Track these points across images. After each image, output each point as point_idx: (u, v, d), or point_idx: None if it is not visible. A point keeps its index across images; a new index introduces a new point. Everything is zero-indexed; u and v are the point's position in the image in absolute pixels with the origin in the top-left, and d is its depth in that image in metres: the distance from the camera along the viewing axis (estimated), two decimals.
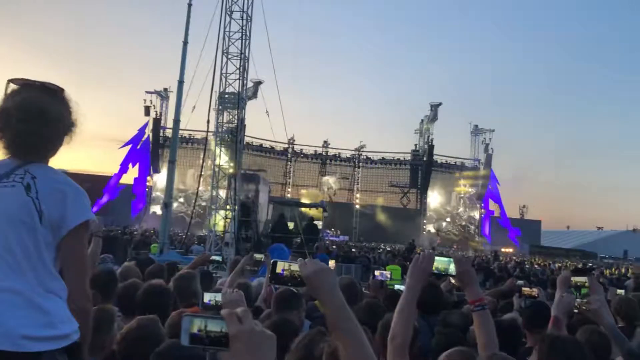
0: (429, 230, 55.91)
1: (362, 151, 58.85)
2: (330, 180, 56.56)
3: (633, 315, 4.77)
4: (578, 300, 3.50)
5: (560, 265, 26.62)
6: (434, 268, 2.50)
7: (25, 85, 2.06)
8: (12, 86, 2.06)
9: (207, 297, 3.46)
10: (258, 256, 5.94)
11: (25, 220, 1.91)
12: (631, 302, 4.95)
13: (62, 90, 2.12)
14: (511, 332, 3.57)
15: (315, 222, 19.51)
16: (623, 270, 24.48)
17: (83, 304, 2.03)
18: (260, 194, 18.21)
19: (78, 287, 2.02)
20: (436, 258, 2.52)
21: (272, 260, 1.86)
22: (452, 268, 2.53)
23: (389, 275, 5.69)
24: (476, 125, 57.99)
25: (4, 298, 1.81)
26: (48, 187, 1.98)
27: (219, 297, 3.32)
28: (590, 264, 28.59)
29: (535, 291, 5.38)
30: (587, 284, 3.65)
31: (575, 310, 3.51)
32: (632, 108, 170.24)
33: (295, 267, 1.78)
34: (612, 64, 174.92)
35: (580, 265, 22.37)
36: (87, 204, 2.08)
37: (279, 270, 1.82)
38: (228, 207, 16.07)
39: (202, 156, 18.26)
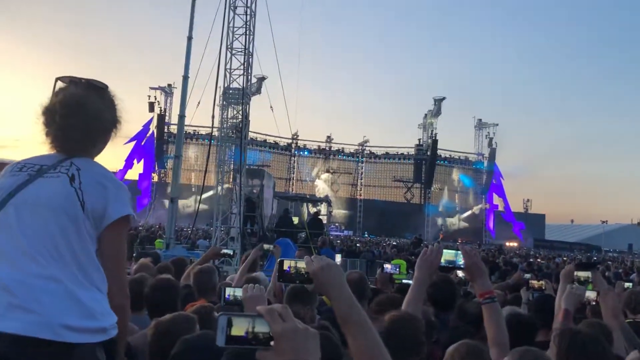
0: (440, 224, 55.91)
1: (366, 146, 58.86)
2: (322, 182, 56.40)
3: None
4: (589, 293, 3.50)
5: (565, 258, 26.59)
6: (443, 260, 2.51)
7: (72, 83, 2.09)
8: (60, 84, 2.10)
9: (228, 292, 3.47)
10: (267, 246, 5.95)
11: (68, 210, 1.93)
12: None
13: (106, 87, 2.15)
14: (525, 327, 3.56)
15: (320, 217, 19.55)
16: (628, 264, 24.41)
17: (121, 300, 2.04)
18: (265, 189, 18.18)
19: (116, 282, 2.02)
20: (444, 251, 2.53)
21: (278, 260, 1.86)
22: (460, 261, 2.54)
23: (397, 269, 5.71)
24: (480, 120, 57.95)
25: (45, 286, 1.80)
26: (91, 179, 2.00)
27: (238, 292, 3.33)
28: (595, 258, 28.55)
29: (542, 284, 5.39)
30: (590, 279, 3.64)
31: (593, 303, 3.51)
32: (637, 102, 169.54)
33: (301, 264, 1.78)
34: (618, 57, 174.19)
35: (584, 260, 22.33)
36: (127, 200, 2.09)
37: (285, 268, 1.82)
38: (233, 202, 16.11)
39: (207, 151, 18.27)
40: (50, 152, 2.08)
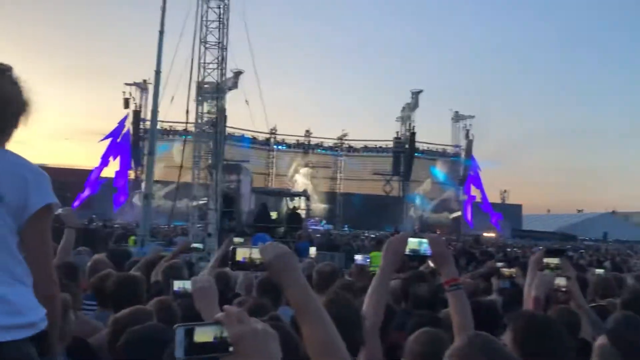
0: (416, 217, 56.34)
1: (345, 140, 58.92)
2: (301, 176, 56.35)
3: (611, 294, 4.86)
4: (559, 280, 3.52)
5: (542, 247, 27.00)
6: (407, 249, 2.50)
7: None
8: None
9: (177, 285, 3.43)
10: (237, 240, 5.93)
11: None
12: (610, 282, 5.04)
13: (10, 68, 2.04)
14: (489, 314, 3.59)
15: (298, 211, 19.56)
16: (603, 251, 24.89)
17: (49, 290, 1.98)
18: (243, 184, 18.13)
19: (42, 272, 1.96)
20: (410, 240, 2.51)
21: (231, 248, 1.85)
22: (425, 248, 2.53)
23: (369, 260, 5.71)
24: (457, 112, 58.30)
25: None
26: (7, 170, 1.92)
27: (188, 284, 3.28)
28: (569, 246, 29.01)
29: (513, 271, 5.44)
30: (559, 265, 3.66)
31: (564, 290, 3.52)
32: (610, 92, 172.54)
33: (255, 254, 1.76)
34: (594, 48, 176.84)
35: (555, 246, 22.69)
36: (48, 188, 2.01)
37: (239, 258, 1.80)
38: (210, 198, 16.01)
39: (182, 148, 18.12)
40: None
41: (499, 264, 6.50)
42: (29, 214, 1.92)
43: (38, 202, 1.93)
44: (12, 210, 1.89)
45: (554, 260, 3.68)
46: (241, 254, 1.80)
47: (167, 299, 3.29)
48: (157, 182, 23.17)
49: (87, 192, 42.89)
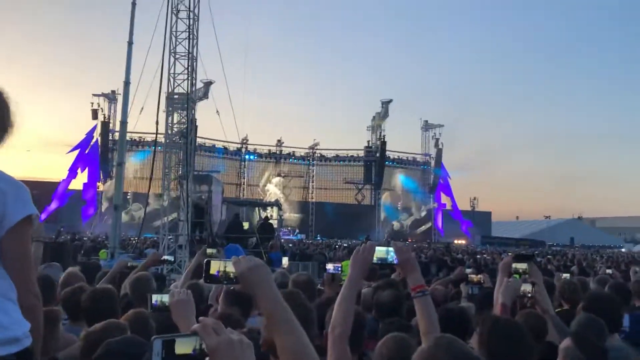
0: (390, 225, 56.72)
1: (316, 149, 59.06)
2: (273, 186, 56.23)
3: (576, 298, 4.99)
4: (525, 286, 3.61)
5: (510, 253, 27.39)
6: (375, 258, 2.55)
7: None
8: None
9: (155, 299, 3.42)
10: (210, 251, 5.90)
11: None
12: (574, 286, 5.16)
13: None
14: (461, 319, 3.67)
15: (271, 221, 19.50)
16: (570, 256, 25.40)
17: (31, 302, 1.96)
18: (214, 194, 18.02)
19: (24, 285, 1.95)
20: (377, 248, 2.57)
21: (205, 260, 1.86)
22: (392, 257, 2.59)
23: (340, 269, 5.75)
24: (426, 121, 59.07)
25: None
26: None
27: (166, 298, 3.28)
28: (537, 252, 29.52)
29: (481, 277, 5.55)
30: (527, 270, 3.76)
31: (529, 295, 3.61)
32: (577, 99, 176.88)
33: (229, 267, 1.78)
34: (562, 57, 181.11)
35: (523, 252, 23.06)
36: (28, 199, 2.01)
37: (213, 271, 1.81)
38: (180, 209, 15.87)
39: (152, 158, 17.94)
40: None
41: (468, 270, 6.61)
42: (8, 226, 1.91)
43: (17, 214, 1.92)
44: None
45: (522, 266, 3.78)
46: (215, 267, 1.81)
47: (143, 311, 3.28)
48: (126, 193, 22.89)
49: (54, 205, 42.00)
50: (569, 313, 4.40)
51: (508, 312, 3.24)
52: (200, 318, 1.27)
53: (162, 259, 6.21)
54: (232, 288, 3.63)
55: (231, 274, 1.77)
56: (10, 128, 2.06)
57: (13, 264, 1.95)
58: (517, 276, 3.65)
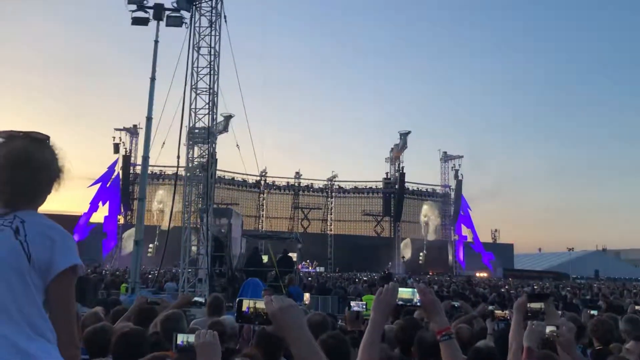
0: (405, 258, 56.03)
1: (335, 181, 59.16)
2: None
3: (609, 337, 4.83)
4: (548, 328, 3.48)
5: (536, 287, 26.88)
6: (399, 299, 2.50)
7: (10, 137, 2.08)
8: None
9: (180, 339, 3.39)
10: (197, 299, 6.03)
11: (13, 263, 1.91)
12: (606, 324, 5.00)
13: (47, 137, 2.15)
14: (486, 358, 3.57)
15: (290, 254, 19.37)
16: (595, 290, 24.82)
17: (72, 351, 1.99)
18: (233, 227, 17.98)
19: (66, 333, 1.99)
20: (400, 289, 2.52)
21: (237, 299, 1.84)
22: (416, 298, 2.54)
23: (365, 306, 5.65)
24: (445, 152, 58.98)
25: None
26: (36, 231, 1.98)
27: (192, 338, 3.25)
28: (561, 285, 28.87)
29: (507, 313, 5.41)
30: (544, 310, 3.63)
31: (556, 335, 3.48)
32: (600, 132, 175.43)
33: (260, 305, 1.75)
34: (583, 88, 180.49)
35: (537, 290, 22.53)
36: (74, 249, 2.07)
37: (244, 308, 1.80)
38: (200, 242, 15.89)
39: (173, 192, 18.08)
40: None
41: (490, 307, 6.46)
42: (55, 274, 1.97)
43: (63, 263, 1.98)
44: (39, 270, 1.94)
45: (537, 305, 3.65)
46: (246, 304, 1.80)
47: (162, 355, 3.25)
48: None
49: (76, 238, 42.29)
50: (602, 352, 4.27)
51: (534, 356, 3.13)
52: None
53: (192, 300, 6.19)
54: (262, 327, 3.60)
55: (262, 312, 1.75)
56: (62, 174, 2.17)
57: (57, 312, 2.00)
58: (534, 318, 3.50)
